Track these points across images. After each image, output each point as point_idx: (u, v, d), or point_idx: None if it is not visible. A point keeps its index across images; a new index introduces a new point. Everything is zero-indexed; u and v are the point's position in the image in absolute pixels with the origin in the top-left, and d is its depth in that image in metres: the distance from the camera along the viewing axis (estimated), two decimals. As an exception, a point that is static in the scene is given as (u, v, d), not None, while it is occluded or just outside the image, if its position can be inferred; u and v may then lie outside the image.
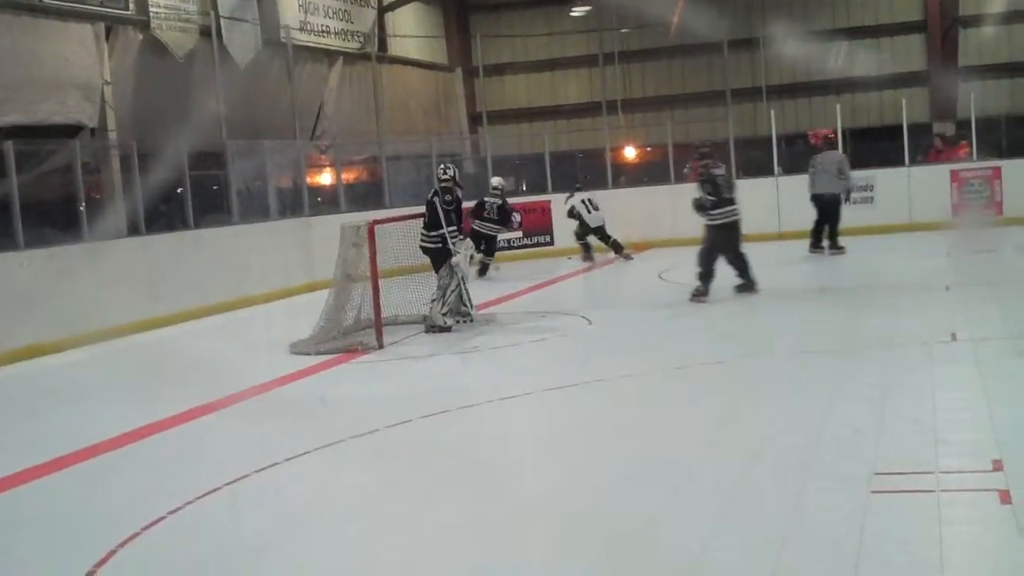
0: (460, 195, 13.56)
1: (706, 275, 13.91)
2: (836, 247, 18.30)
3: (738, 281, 14.10)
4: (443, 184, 13.29)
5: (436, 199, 13.15)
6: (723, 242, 13.95)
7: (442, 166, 13.70)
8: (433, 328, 12.70)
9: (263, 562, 5.62)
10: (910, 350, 9.81)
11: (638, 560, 5.20)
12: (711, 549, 5.22)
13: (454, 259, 12.86)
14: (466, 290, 13.12)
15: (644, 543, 5.43)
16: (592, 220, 20.28)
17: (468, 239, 13.55)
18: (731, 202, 14.22)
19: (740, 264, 14.10)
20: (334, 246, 13.21)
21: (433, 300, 12.87)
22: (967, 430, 6.99)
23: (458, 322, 12.96)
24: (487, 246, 19.06)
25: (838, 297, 13.65)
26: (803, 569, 4.87)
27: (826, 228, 18.46)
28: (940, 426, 7.04)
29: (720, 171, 14.43)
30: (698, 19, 23.88)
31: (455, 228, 13.10)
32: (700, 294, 13.88)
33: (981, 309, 11.79)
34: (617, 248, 20.45)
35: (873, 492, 5.78)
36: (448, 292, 12.84)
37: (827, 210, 18.34)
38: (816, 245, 18.54)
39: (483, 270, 19.30)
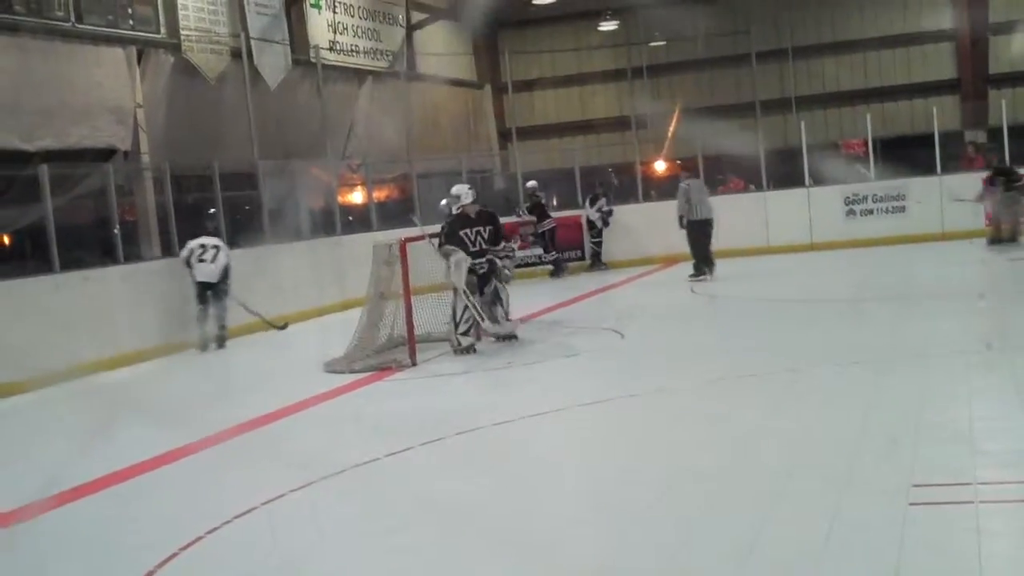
0: (471, 212, 13.29)
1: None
2: (700, 275, 18.36)
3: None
4: (456, 212, 13.24)
5: (456, 217, 13.10)
6: None
7: (460, 191, 13.44)
8: (460, 351, 12.64)
9: (301, 581, 5.64)
10: (946, 360, 9.74)
11: (677, 573, 5.18)
12: (748, 563, 5.20)
13: (452, 277, 12.74)
14: (473, 304, 12.76)
15: (682, 556, 5.41)
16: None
17: (460, 252, 13.14)
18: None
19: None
20: (366, 264, 13.25)
21: (446, 323, 12.89)
22: (1005, 440, 6.94)
23: (495, 340, 12.90)
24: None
25: (871, 307, 13.57)
26: (842, 582, 4.85)
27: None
28: (978, 436, 6.99)
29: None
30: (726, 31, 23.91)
31: (501, 247, 13.12)
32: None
33: (1016, 318, 11.70)
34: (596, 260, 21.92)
35: (911, 504, 5.74)
36: (459, 314, 12.70)
37: (707, 234, 18.60)
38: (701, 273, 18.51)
39: (556, 271, 21.42)
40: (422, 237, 13.30)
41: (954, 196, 19.91)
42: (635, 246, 22.03)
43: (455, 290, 12.71)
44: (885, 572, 4.85)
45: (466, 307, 12.67)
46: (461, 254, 12.92)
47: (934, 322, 11.98)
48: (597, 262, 22.24)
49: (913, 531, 5.36)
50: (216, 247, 15.17)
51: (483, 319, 12.86)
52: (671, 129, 26.76)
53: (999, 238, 18.63)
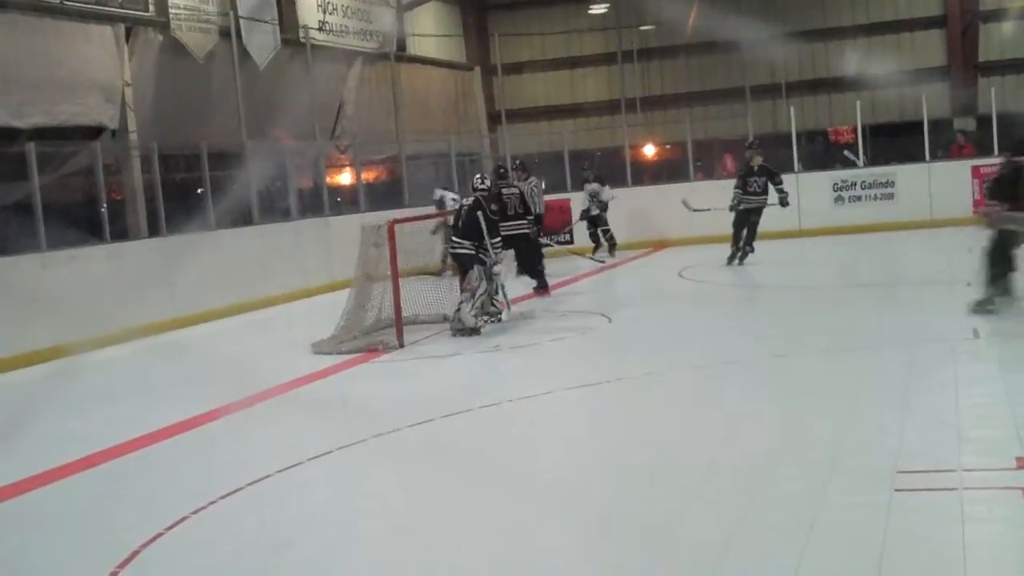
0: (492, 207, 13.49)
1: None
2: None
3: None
4: (480, 193, 13.16)
5: (479, 213, 12.93)
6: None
7: (479, 176, 13.68)
8: (462, 331, 12.62)
9: (286, 561, 5.64)
10: (933, 347, 9.77)
11: (661, 558, 5.20)
12: (733, 546, 5.22)
13: (496, 268, 12.80)
14: (503, 290, 13.05)
15: (667, 541, 5.43)
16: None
17: (508, 250, 13.57)
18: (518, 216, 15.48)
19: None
20: (354, 246, 13.23)
21: (462, 302, 12.80)
22: (990, 427, 6.97)
23: (486, 322, 12.92)
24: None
25: (859, 294, 13.61)
26: (826, 566, 4.87)
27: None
28: (963, 423, 7.02)
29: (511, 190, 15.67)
30: (716, 16, 23.88)
31: (498, 239, 13.03)
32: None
33: (1003, 306, 11.72)
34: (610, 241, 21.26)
35: (896, 490, 5.77)
36: (478, 295, 12.75)
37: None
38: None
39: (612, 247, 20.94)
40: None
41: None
42: (624, 230, 21.98)
43: (483, 275, 12.81)
44: (869, 557, 4.87)
45: (485, 291, 12.76)
46: (511, 253, 13.93)
47: (921, 309, 12.01)
48: (600, 248, 21.28)
49: (897, 517, 5.38)
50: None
51: (508, 307, 13.19)
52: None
53: None
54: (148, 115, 17.25)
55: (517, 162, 17.56)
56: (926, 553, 4.94)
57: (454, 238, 13.13)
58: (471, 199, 13.15)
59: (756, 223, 17.78)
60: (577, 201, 21.70)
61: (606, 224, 21.02)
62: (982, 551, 4.92)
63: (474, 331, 12.57)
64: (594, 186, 21.07)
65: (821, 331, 11.25)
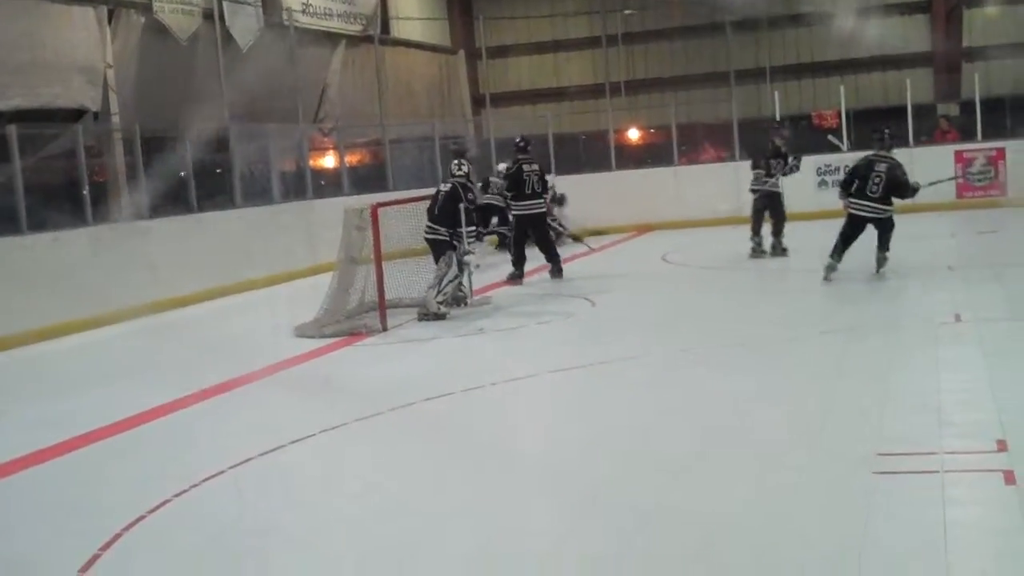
0: (476, 193, 13.50)
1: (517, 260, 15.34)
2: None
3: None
4: (457, 179, 13.11)
5: (460, 205, 12.94)
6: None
7: (456, 162, 13.51)
8: (427, 316, 12.61)
9: (268, 544, 5.64)
10: (914, 331, 9.81)
11: (644, 540, 5.21)
12: (715, 529, 5.23)
13: (467, 257, 12.79)
14: (469, 279, 13.06)
15: (649, 523, 5.44)
16: None
17: (483, 242, 13.60)
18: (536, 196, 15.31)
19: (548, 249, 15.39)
20: (337, 229, 13.20)
21: (429, 287, 12.80)
22: (971, 411, 7.00)
23: (452, 307, 12.91)
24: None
25: (841, 278, 13.62)
26: (807, 548, 4.89)
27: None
28: (944, 407, 7.05)
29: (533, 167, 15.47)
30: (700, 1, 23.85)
31: (474, 228, 13.00)
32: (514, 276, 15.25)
33: (985, 290, 11.79)
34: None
35: (877, 472, 5.79)
36: (445, 281, 12.72)
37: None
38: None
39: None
40: None
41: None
42: (608, 214, 21.97)
43: (452, 262, 12.80)
44: (850, 539, 4.88)
45: (456, 278, 12.76)
46: (483, 243, 13.89)
47: (903, 293, 12.05)
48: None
49: (878, 499, 5.41)
50: None
51: (470, 294, 13.23)
52: None
53: None
54: (130, 97, 17.15)
55: (520, 142, 16.25)
56: (907, 535, 4.95)
57: (429, 223, 13.10)
58: (448, 185, 13.10)
59: (782, 211, 16.60)
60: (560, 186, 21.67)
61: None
62: (962, 533, 4.93)
63: (439, 316, 12.53)
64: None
65: (803, 315, 11.29)
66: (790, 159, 16.66)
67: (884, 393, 7.59)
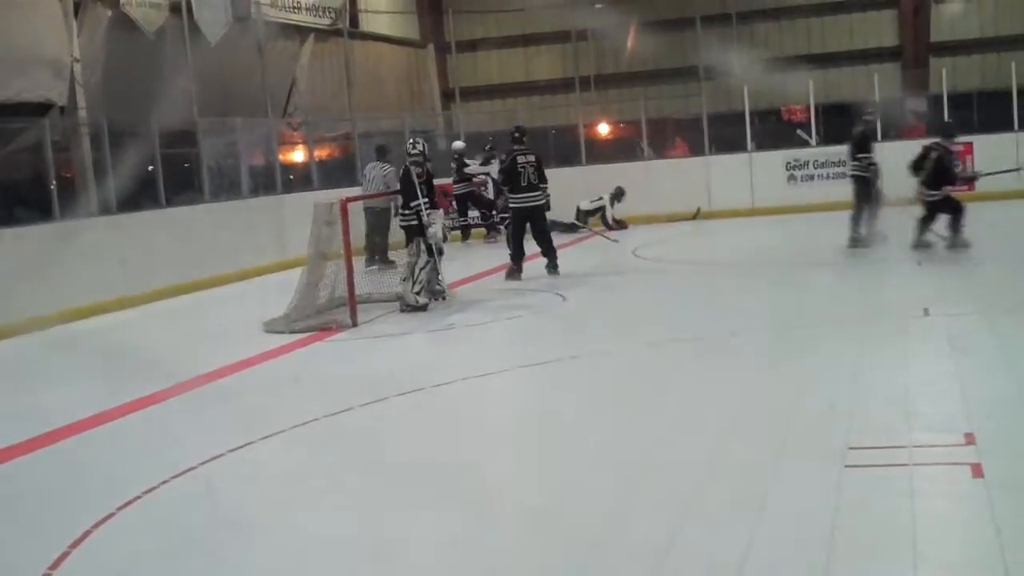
0: (430, 169, 13.46)
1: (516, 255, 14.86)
2: (388, 261, 16.35)
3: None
4: (413, 159, 13.07)
5: (411, 169, 12.90)
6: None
7: (411, 140, 13.45)
8: (407, 308, 12.62)
9: (238, 540, 5.62)
10: (883, 325, 9.86)
11: (614, 534, 5.21)
12: (686, 523, 5.24)
13: (429, 230, 12.73)
14: (438, 267, 13.04)
15: (620, 518, 5.44)
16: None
17: (440, 210, 13.43)
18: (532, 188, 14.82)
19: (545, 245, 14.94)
20: (307, 224, 13.15)
21: (403, 279, 12.79)
22: (940, 404, 7.04)
23: (436, 300, 12.91)
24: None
25: (812, 273, 13.69)
26: (777, 543, 4.90)
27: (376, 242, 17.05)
28: (913, 401, 7.09)
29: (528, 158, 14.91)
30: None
31: (427, 200, 12.93)
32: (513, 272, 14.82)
33: (953, 284, 11.86)
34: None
35: (847, 466, 5.81)
36: (418, 270, 12.72)
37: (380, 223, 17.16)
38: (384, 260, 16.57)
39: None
40: None
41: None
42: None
43: (418, 248, 12.76)
44: (821, 532, 4.90)
45: (428, 264, 12.71)
46: (440, 212, 13.44)
47: (872, 287, 12.11)
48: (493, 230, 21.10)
49: (849, 493, 5.43)
50: None
51: (444, 286, 13.16)
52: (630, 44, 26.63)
53: None
54: (97, 91, 17.03)
55: (515, 132, 15.51)
56: (876, 528, 4.98)
57: (402, 211, 13.07)
58: (402, 169, 13.12)
59: (877, 196, 15.76)
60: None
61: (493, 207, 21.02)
62: (931, 526, 4.97)
63: (419, 308, 12.53)
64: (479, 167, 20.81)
65: (773, 309, 11.32)
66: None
67: (854, 387, 7.63)
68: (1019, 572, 4.36)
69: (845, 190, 21.28)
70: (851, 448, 6.12)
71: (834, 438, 6.33)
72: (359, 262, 12.73)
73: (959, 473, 5.66)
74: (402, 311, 12.62)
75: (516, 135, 15.33)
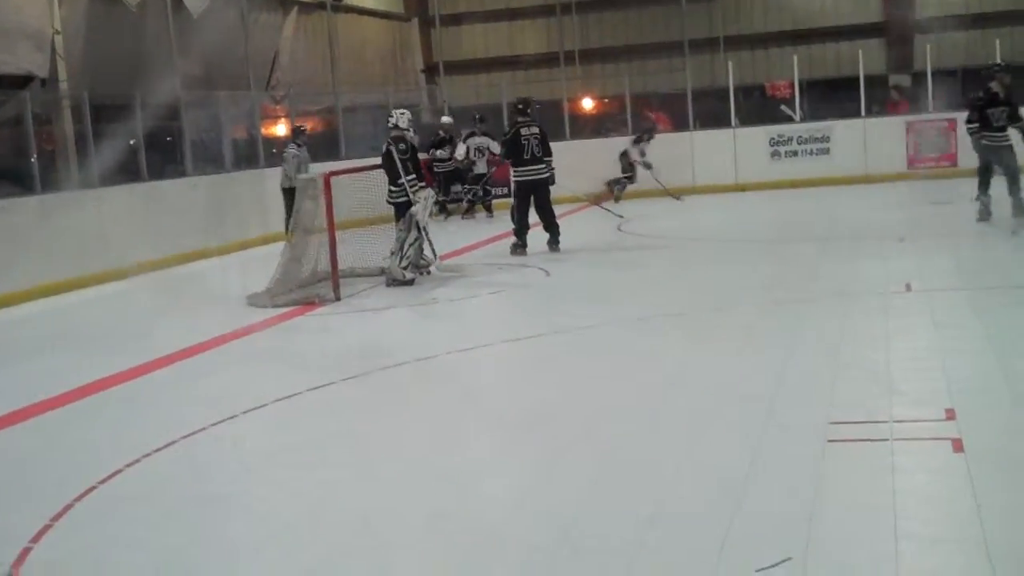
0: (415, 141, 13.40)
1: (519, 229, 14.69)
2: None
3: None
4: (395, 133, 12.98)
5: (392, 148, 12.84)
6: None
7: (392, 113, 13.34)
8: (394, 282, 12.62)
9: (221, 513, 5.61)
10: (866, 300, 9.88)
11: (598, 507, 5.22)
12: (668, 497, 5.25)
13: (413, 208, 12.70)
14: (429, 241, 13.03)
15: (604, 490, 5.45)
16: None
17: (428, 188, 13.37)
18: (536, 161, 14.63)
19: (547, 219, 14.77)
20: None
21: (392, 253, 12.78)
22: (921, 380, 7.06)
23: (420, 274, 12.91)
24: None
25: (795, 248, 13.71)
26: (760, 517, 4.91)
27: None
28: (895, 376, 7.11)
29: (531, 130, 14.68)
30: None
31: (413, 176, 12.88)
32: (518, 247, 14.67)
33: (935, 260, 11.89)
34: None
35: (829, 441, 5.84)
36: (406, 245, 12.71)
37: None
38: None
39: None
40: None
41: None
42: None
43: (409, 223, 12.73)
44: (802, 506, 4.92)
45: (416, 240, 12.69)
46: (430, 190, 13.38)
47: (855, 263, 12.13)
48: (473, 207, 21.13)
49: (830, 467, 5.46)
50: None
51: (436, 259, 13.21)
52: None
53: None
54: (79, 64, 16.94)
55: (519, 104, 15.40)
56: (858, 502, 5.00)
57: (390, 187, 13.01)
58: (384, 145, 13.06)
59: (1013, 167, 14.06)
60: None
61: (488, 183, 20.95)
62: (912, 500, 4.99)
63: (405, 282, 12.53)
64: (483, 140, 20.72)
65: (756, 284, 11.33)
66: (1021, 109, 14.31)
67: (836, 362, 7.65)
68: (999, 546, 4.38)
69: (828, 166, 21.50)
70: (833, 423, 6.14)
71: (816, 413, 6.35)
72: (342, 236, 12.67)
73: (940, 448, 5.68)
74: (388, 285, 12.63)
75: (520, 107, 15.14)
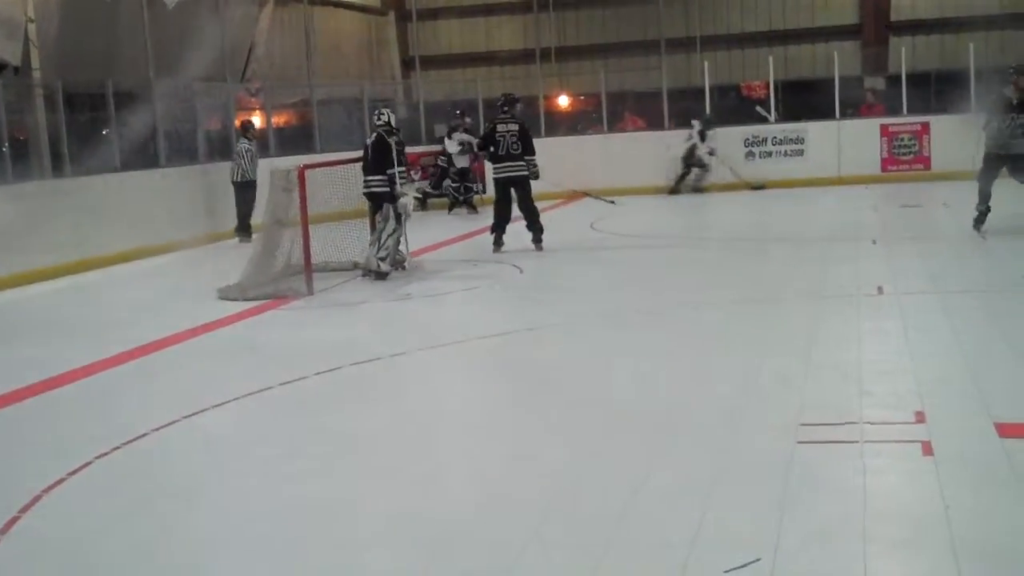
0: (400, 137, 13.42)
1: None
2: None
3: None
4: (383, 127, 12.96)
5: (387, 138, 12.81)
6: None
7: (377, 111, 13.36)
8: (369, 273, 12.60)
9: (191, 507, 5.59)
10: (837, 302, 9.92)
11: (568, 505, 5.23)
12: (638, 495, 5.26)
13: (402, 199, 12.67)
14: (405, 236, 13.03)
15: (574, 488, 5.46)
16: None
17: (414, 183, 13.41)
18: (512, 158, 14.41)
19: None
20: (263, 190, 13.06)
21: (370, 244, 12.77)
22: (891, 382, 7.09)
23: (395, 269, 12.89)
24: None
25: (767, 248, 13.76)
26: (728, 518, 4.92)
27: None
28: (865, 378, 7.14)
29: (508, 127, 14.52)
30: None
31: (404, 169, 12.89)
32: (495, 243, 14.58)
33: (907, 263, 11.95)
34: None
35: (799, 442, 5.85)
36: (385, 236, 12.68)
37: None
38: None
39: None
40: None
41: None
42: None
43: (390, 215, 12.72)
44: (772, 508, 4.93)
45: (395, 232, 12.72)
46: (415, 184, 13.21)
47: (827, 264, 12.18)
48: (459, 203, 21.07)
49: (800, 468, 5.47)
50: None
51: (407, 255, 13.21)
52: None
53: None
54: (52, 53, 16.81)
55: (500, 100, 15.25)
56: (827, 504, 5.02)
57: (366, 177, 13.00)
58: (373, 136, 13.03)
59: None
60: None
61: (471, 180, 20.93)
62: (881, 502, 5.01)
63: (380, 275, 12.52)
64: (465, 136, 20.61)
65: (729, 283, 11.37)
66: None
67: (807, 363, 7.68)
68: (968, 549, 4.41)
69: (802, 167, 21.57)
70: (803, 424, 6.17)
71: (786, 414, 6.37)
72: (316, 230, 12.64)
73: (909, 450, 5.71)
74: (363, 276, 12.61)
75: (500, 102, 15.12)
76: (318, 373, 8.20)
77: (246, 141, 17.88)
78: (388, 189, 12.70)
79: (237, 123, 18.87)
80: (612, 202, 17.99)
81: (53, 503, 5.67)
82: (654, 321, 9.69)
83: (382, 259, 12.63)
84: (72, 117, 16.19)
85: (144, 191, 16.62)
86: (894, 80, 23.21)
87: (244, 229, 17.28)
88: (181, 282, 14.07)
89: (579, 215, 18.39)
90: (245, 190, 17.28)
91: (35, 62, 16.50)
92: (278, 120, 22.82)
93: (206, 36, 20.42)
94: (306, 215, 12.26)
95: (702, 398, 7.01)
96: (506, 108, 14.87)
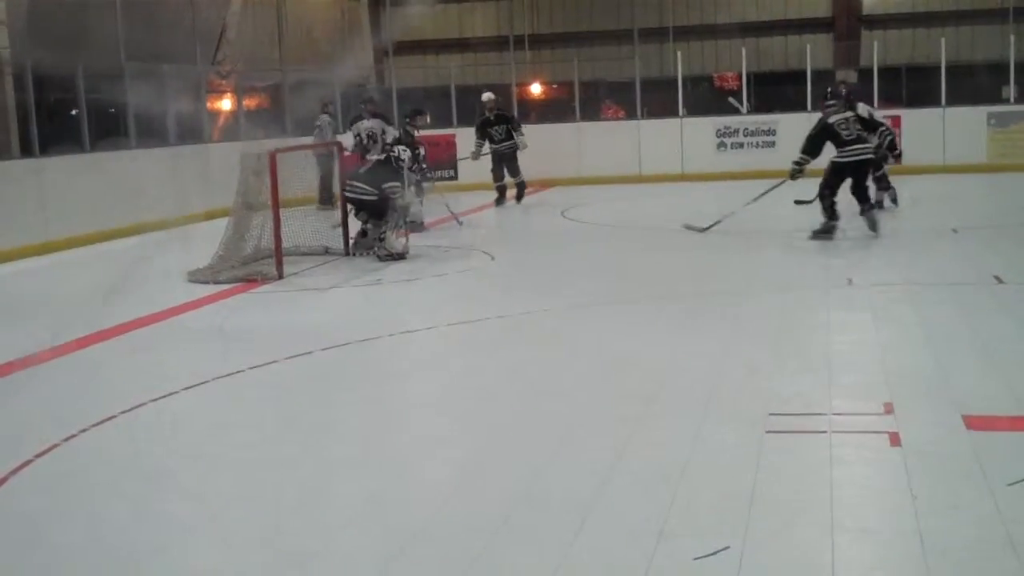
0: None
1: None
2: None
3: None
4: (392, 146, 13.49)
5: (402, 158, 13.19)
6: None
7: (383, 128, 14.19)
8: (389, 256, 12.85)
9: (160, 490, 5.56)
10: (807, 294, 9.97)
11: (537, 493, 5.23)
12: (607, 484, 5.27)
13: (411, 203, 13.10)
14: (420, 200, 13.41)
15: (543, 478, 5.46)
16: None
17: (412, 188, 13.88)
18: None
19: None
20: (234, 174, 13.00)
21: (381, 238, 12.91)
22: (860, 373, 7.14)
23: (365, 254, 12.94)
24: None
25: (738, 240, 13.79)
26: (696, 507, 4.94)
27: None
28: (834, 369, 7.18)
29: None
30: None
31: (417, 174, 13.46)
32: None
33: (877, 256, 12.02)
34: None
35: (767, 432, 5.88)
36: (395, 220, 13.00)
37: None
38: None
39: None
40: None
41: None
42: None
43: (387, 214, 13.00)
44: (740, 497, 4.95)
45: (396, 215, 13.04)
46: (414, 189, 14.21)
47: (797, 256, 12.23)
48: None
49: (769, 458, 5.49)
50: None
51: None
52: None
53: None
54: (22, 32, 16.64)
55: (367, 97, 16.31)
56: (795, 493, 5.04)
57: (352, 182, 13.19)
58: (383, 155, 13.53)
59: None
60: (465, 138, 21.23)
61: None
62: (849, 492, 5.04)
63: (401, 256, 12.85)
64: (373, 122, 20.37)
65: (699, 274, 11.41)
66: None
67: (776, 354, 7.72)
68: (934, 540, 4.44)
69: (773, 158, 21.62)
70: (771, 414, 6.19)
71: (755, 404, 6.40)
72: (286, 214, 12.60)
73: (877, 441, 5.74)
74: (382, 260, 12.81)
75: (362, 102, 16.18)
76: (288, 357, 8.17)
77: (327, 116, 19.05)
78: (376, 199, 12.81)
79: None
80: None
81: (20, 485, 5.63)
82: (623, 310, 9.71)
83: (404, 223, 13.18)
84: (41, 97, 16.03)
85: (113, 172, 16.50)
86: (865, 73, 23.31)
87: (327, 200, 17.21)
88: (150, 265, 13.97)
89: (550, 203, 18.39)
90: (326, 161, 17.19)
91: (4, 41, 16.34)
92: (249, 103, 22.69)
93: (178, 18, 20.30)
94: (276, 199, 12.21)
95: (671, 387, 7.03)
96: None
